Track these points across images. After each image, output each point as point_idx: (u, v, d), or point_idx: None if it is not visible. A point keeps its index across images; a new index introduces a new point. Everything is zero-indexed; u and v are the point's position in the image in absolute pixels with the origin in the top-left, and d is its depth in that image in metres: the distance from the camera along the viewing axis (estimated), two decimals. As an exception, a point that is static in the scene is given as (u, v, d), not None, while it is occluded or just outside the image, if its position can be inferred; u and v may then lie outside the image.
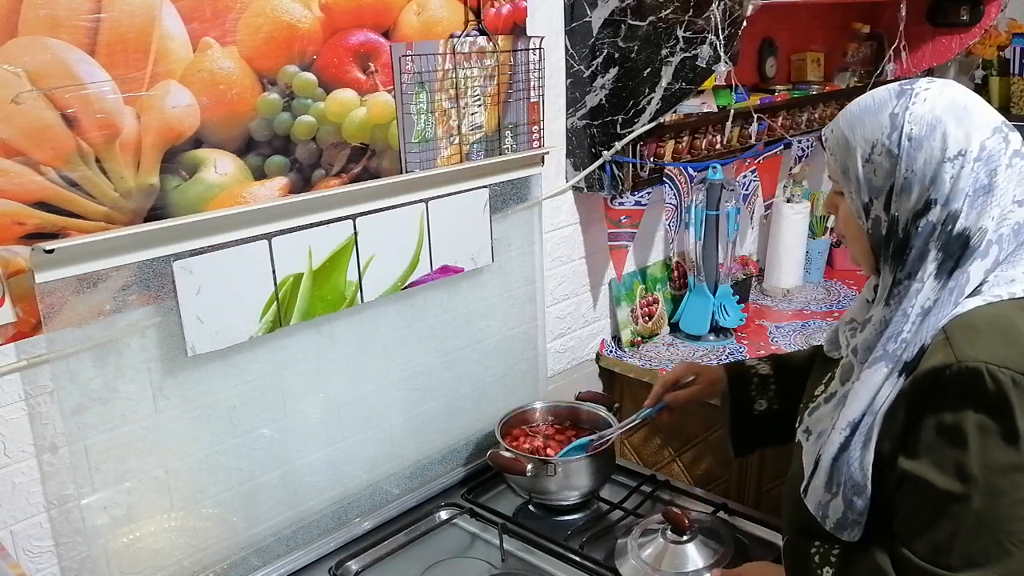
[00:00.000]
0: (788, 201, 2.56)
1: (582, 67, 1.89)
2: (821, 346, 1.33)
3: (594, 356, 2.20)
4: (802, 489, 1.10)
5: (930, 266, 1.01)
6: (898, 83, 1.06)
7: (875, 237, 1.06)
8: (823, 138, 1.10)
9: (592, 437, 1.65)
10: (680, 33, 1.78)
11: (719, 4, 1.74)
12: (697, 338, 2.25)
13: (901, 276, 1.03)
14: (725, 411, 1.50)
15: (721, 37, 1.75)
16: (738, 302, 2.30)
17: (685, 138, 2.11)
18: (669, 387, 1.55)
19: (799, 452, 1.17)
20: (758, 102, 2.28)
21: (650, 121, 1.85)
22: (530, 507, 1.68)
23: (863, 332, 1.07)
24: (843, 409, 1.05)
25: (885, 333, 1.03)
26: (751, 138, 2.29)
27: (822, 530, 1.09)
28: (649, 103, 1.84)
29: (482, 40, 1.67)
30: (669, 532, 1.43)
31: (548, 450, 1.70)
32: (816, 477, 1.07)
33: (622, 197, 1.99)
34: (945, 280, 1.01)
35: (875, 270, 1.10)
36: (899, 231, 1.03)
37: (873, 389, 1.02)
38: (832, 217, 1.16)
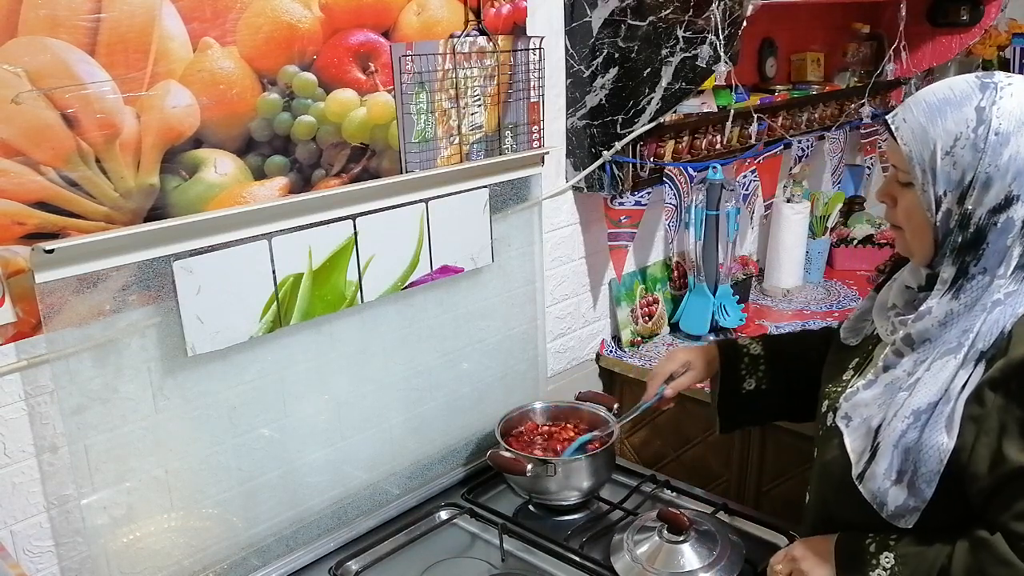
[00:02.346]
0: (788, 201, 2.56)
1: (582, 67, 1.89)
2: (831, 328, 1.33)
3: (594, 356, 2.20)
4: (856, 475, 1.10)
5: (1013, 262, 1.03)
6: (973, 75, 1.05)
7: (943, 230, 1.06)
8: (892, 127, 1.07)
9: (594, 434, 1.68)
10: (680, 33, 1.78)
11: (719, 4, 1.74)
12: (697, 338, 2.25)
13: (975, 271, 1.04)
14: (714, 388, 1.53)
15: (721, 37, 1.75)
16: (738, 302, 2.30)
17: (685, 138, 2.11)
18: (665, 380, 1.56)
19: (831, 439, 1.17)
20: (758, 102, 2.28)
21: (650, 121, 1.85)
22: (530, 507, 1.68)
23: (920, 322, 1.07)
24: (908, 398, 1.05)
25: (956, 325, 1.04)
26: (751, 138, 2.29)
27: (862, 517, 1.09)
28: (649, 103, 1.84)
29: (482, 40, 1.67)
30: (665, 531, 1.43)
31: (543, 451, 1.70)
32: (876, 464, 1.07)
33: (622, 197, 1.99)
34: (1021, 273, 1.03)
35: (929, 262, 1.10)
36: (971, 225, 1.03)
37: (944, 379, 1.03)
38: (887, 209, 1.16)
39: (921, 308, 1.08)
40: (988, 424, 1.01)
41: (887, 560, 1.08)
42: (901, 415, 1.05)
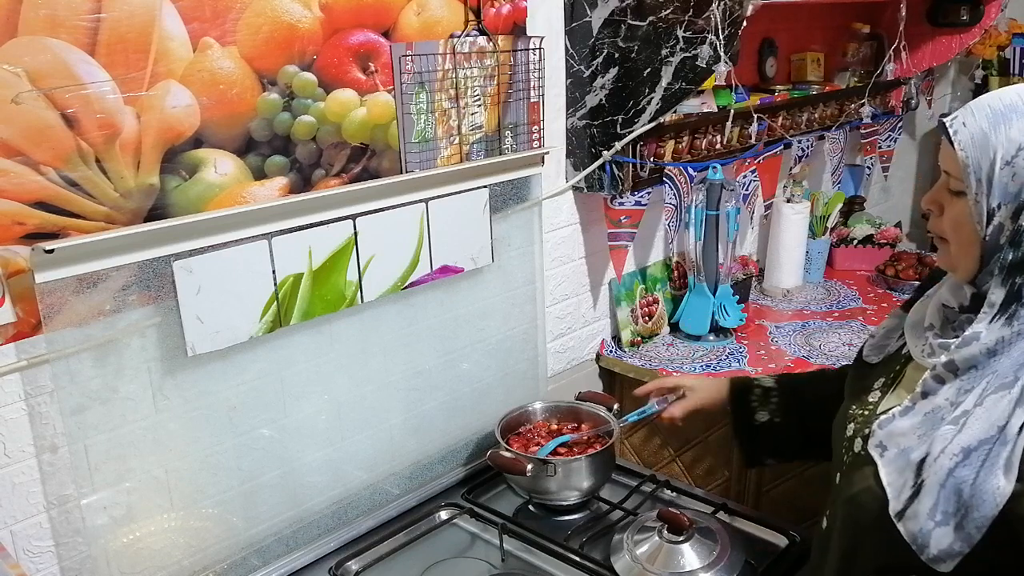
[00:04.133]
0: (788, 201, 2.56)
1: (582, 67, 1.89)
2: (846, 367, 1.29)
3: (594, 356, 2.21)
4: (895, 513, 1.02)
5: None
6: None
7: (991, 245, 0.99)
8: (951, 130, 1.00)
9: (573, 437, 1.71)
10: (680, 33, 1.78)
11: (719, 4, 1.74)
12: (697, 338, 2.25)
13: None
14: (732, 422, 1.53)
15: (721, 37, 1.75)
16: (738, 302, 2.30)
17: (685, 138, 2.11)
18: (664, 392, 1.60)
19: (861, 467, 1.10)
20: (758, 102, 2.28)
21: (650, 121, 1.85)
22: (530, 507, 1.68)
23: (967, 348, 1.00)
24: (957, 433, 0.98)
25: (1009, 356, 0.97)
26: (751, 138, 2.29)
27: (895, 556, 1.03)
28: (649, 103, 1.84)
29: (482, 40, 1.67)
30: (665, 531, 1.43)
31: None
32: (919, 503, 0.99)
33: (622, 197, 1.99)
34: None
35: (972, 279, 1.04)
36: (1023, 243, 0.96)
37: (998, 416, 0.96)
38: (932, 217, 1.08)
39: (967, 333, 1.00)
40: None
41: None
42: (949, 452, 0.97)
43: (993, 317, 0.98)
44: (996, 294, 0.98)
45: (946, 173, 1.04)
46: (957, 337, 1.02)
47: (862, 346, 1.26)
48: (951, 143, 1.00)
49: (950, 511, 0.97)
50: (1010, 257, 0.97)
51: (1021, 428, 0.95)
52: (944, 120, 1.02)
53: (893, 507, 1.02)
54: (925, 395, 1.03)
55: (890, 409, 1.08)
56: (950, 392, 1.01)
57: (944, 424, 1.00)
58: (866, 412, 1.14)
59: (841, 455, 1.16)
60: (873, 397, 1.16)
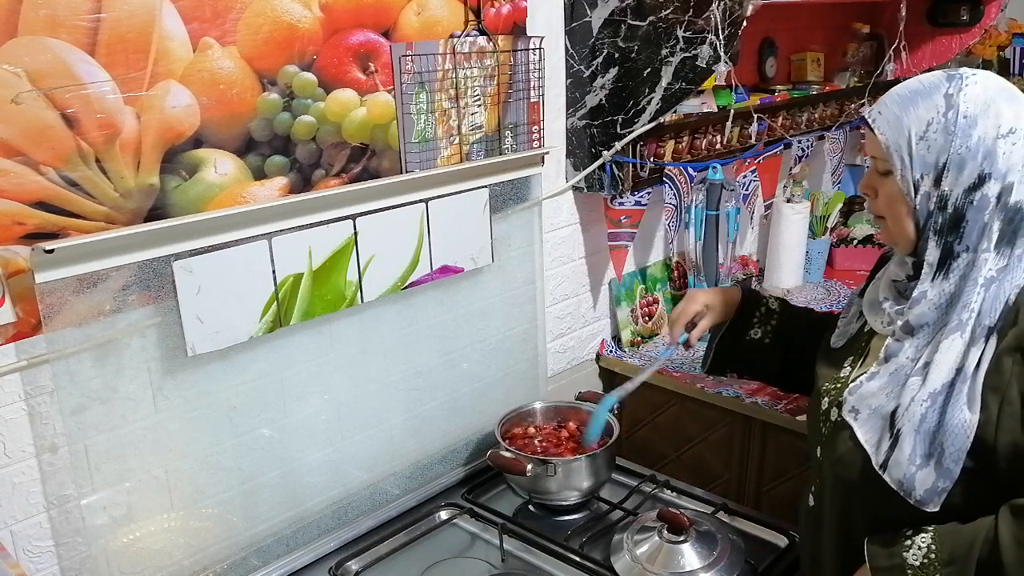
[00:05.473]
0: (788, 201, 2.56)
1: (582, 67, 1.89)
2: (833, 316, 1.36)
3: (594, 356, 2.20)
4: (879, 464, 1.10)
5: (994, 236, 1.06)
6: (942, 71, 1.11)
7: (923, 213, 1.10)
8: (870, 120, 1.13)
9: (618, 392, 1.63)
10: (680, 33, 1.78)
11: (719, 4, 1.74)
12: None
13: (959, 249, 1.08)
14: (720, 326, 1.52)
15: (721, 37, 1.75)
16: (738, 302, 2.30)
17: (685, 138, 2.11)
18: (687, 325, 1.53)
19: (839, 433, 1.17)
20: (758, 102, 2.28)
21: (650, 121, 1.85)
22: (530, 507, 1.68)
23: (917, 307, 1.11)
24: (923, 383, 1.07)
25: (958, 304, 1.07)
26: (751, 138, 2.29)
27: (887, 508, 1.10)
28: (649, 103, 1.84)
29: (482, 40, 1.67)
30: (665, 531, 1.43)
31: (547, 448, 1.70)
32: (899, 450, 1.07)
33: (622, 197, 1.99)
34: (1007, 249, 1.07)
35: (913, 248, 1.13)
36: (949, 206, 1.08)
37: (954, 357, 1.06)
38: (870, 200, 1.20)
39: (915, 295, 1.11)
40: (1011, 393, 1.03)
41: (923, 540, 1.08)
42: (919, 399, 1.06)
43: (933, 276, 1.10)
44: (932, 254, 1.10)
45: (873, 158, 1.15)
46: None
47: (829, 335, 1.33)
48: (872, 131, 1.12)
49: (927, 453, 1.06)
50: (940, 220, 1.09)
51: (978, 364, 1.05)
52: (864, 114, 1.15)
53: (876, 460, 1.10)
54: (888, 358, 1.13)
55: (859, 377, 1.17)
56: (910, 351, 1.11)
57: (911, 378, 1.09)
58: (838, 386, 1.22)
59: (819, 430, 1.24)
60: (844, 373, 1.24)
